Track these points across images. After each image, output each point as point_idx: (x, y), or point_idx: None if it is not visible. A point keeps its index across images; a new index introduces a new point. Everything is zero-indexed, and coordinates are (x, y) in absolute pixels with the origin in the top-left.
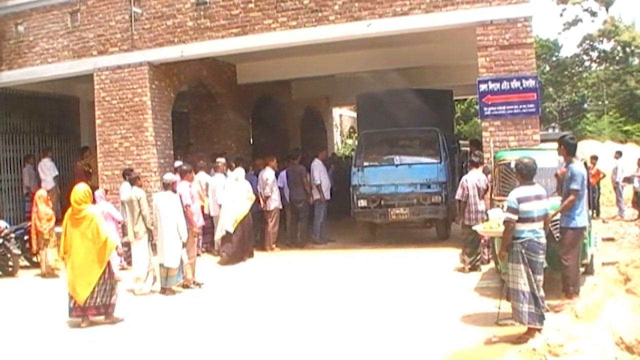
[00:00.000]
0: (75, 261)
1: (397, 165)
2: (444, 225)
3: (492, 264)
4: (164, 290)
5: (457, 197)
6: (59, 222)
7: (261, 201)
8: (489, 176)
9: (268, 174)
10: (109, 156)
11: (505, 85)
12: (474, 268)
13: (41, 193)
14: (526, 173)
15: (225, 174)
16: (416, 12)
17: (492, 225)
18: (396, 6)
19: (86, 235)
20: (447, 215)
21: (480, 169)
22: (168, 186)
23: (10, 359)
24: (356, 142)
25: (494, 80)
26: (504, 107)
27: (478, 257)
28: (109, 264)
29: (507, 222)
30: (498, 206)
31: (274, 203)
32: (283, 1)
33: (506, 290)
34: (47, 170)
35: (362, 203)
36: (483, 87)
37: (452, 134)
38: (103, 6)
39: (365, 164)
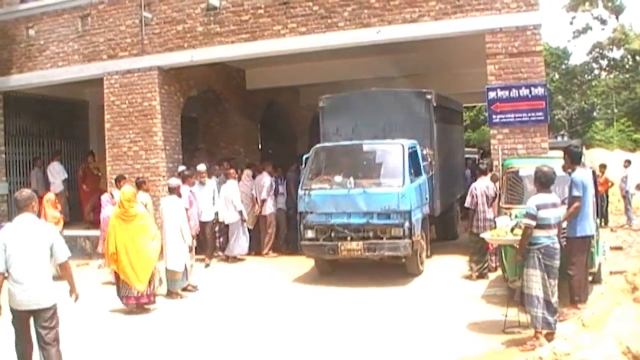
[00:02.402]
0: (132, 256)
1: (349, 190)
2: (416, 260)
3: (499, 272)
4: (170, 294)
5: (466, 204)
6: (66, 225)
7: (257, 206)
8: (497, 184)
9: (264, 178)
10: (118, 160)
11: (514, 93)
12: (481, 276)
13: (49, 196)
14: (544, 181)
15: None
16: (425, 19)
17: (499, 233)
18: (405, 13)
19: (137, 231)
20: (414, 251)
21: (489, 176)
22: (173, 190)
23: None
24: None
25: (502, 88)
26: (512, 115)
27: (485, 264)
28: None
29: (525, 228)
30: (506, 214)
31: (270, 208)
32: (293, 7)
33: (519, 295)
34: (57, 173)
35: (309, 234)
36: (492, 94)
37: (430, 146)
38: (113, 11)
39: (314, 187)
